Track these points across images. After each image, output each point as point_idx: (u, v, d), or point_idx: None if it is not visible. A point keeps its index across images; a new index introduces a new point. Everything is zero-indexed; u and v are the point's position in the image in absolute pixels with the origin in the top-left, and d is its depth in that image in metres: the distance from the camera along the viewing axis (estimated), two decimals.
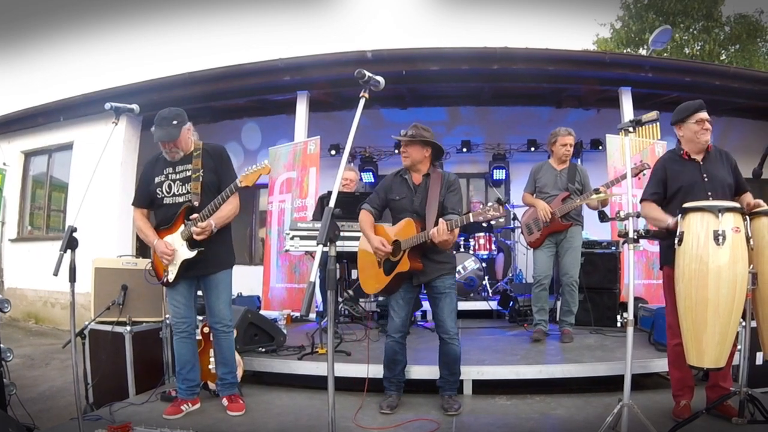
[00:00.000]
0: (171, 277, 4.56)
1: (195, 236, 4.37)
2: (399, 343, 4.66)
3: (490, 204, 4.10)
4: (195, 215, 4.40)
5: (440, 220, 4.32)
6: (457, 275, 8.85)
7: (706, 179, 4.19)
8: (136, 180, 10.81)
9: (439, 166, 4.91)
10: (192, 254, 4.46)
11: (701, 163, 4.27)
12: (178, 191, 4.56)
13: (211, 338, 4.86)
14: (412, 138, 4.63)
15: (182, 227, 4.50)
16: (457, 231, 4.38)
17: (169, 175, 4.58)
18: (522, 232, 6.91)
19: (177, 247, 4.51)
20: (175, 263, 4.53)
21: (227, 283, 4.75)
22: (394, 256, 4.54)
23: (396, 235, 4.56)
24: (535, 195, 6.63)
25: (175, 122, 4.45)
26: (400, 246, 4.49)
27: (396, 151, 12.27)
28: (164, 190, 4.57)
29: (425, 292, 4.79)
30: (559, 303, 7.26)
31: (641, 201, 4.48)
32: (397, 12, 76.75)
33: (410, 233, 4.45)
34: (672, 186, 4.29)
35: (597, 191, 6.16)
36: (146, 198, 4.67)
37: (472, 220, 4.17)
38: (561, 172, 6.57)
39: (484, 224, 6.54)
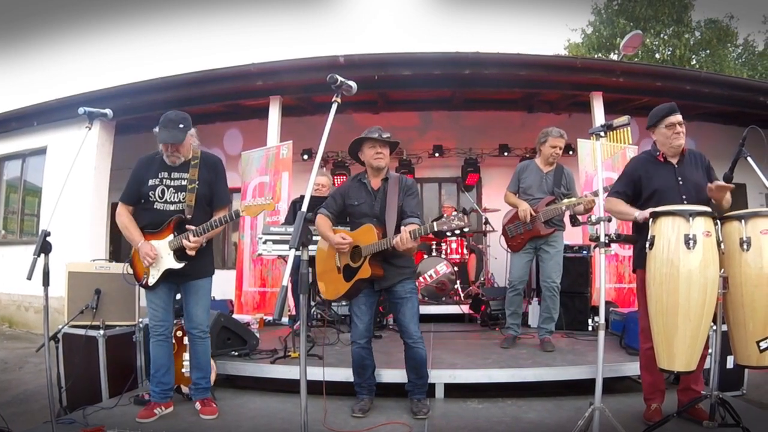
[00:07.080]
0: (151, 281, 4.53)
1: (188, 250, 4.38)
2: (365, 348, 4.66)
3: (455, 213, 4.12)
4: (192, 228, 4.41)
5: (402, 228, 4.33)
6: (429, 279, 8.89)
7: (681, 182, 4.22)
8: (109, 184, 10.80)
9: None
10: (179, 266, 4.46)
11: (676, 166, 4.31)
12: (170, 198, 4.53)
13: (185, 342, 4.86)
14: (389, 139, 4.65)
15: (171, 236, 4.48)
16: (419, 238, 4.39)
17: (164, 180, 4.54)
18: (502, 234, 6.56)
19: (162, 254, 4.48)
20: (159, 269, 4.50)
21: (207, 290, 4.75)
22: (354, 263, 4.54)
23: (356, 241, 4.54)
24: (518, 195, 6.33)
25: (181, 126, 4.45)
26: (360, 252, 4.49)
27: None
28: (157, 195, 4.52)
29: (384, 297, 4.84)
30: (530, 307, 7.30)
31: (607, 196, 4.49)
32: (397, 12, 77.56)
33: (371, 239, 4.45)
34: (646, 188, 4.31)
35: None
36: (136, 196, 4.58)
37: (436, 229, 4.18)
38: (547, 174, 6.28)
39: (457, 232, 6.51)
